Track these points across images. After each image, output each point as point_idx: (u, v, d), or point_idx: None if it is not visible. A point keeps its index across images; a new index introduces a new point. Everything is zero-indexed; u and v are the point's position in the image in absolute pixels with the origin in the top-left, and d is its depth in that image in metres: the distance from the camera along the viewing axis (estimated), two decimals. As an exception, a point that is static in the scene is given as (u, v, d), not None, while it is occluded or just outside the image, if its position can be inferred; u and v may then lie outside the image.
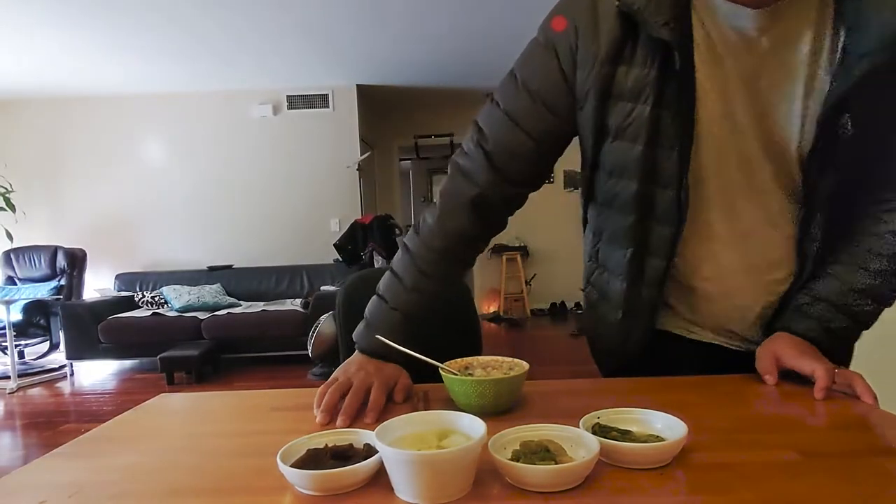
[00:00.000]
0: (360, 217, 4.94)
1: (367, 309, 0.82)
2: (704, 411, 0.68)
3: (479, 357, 0.79)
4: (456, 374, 0.70)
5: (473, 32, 4.10)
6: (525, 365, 0.73)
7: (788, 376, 0.76)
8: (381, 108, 6.22)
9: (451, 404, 0.71)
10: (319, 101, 5.32)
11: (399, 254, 0.83)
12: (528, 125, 0.75)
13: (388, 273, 0.83)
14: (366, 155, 5.32)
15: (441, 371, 0.72)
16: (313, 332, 3.45)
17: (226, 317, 4.26)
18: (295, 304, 4.52)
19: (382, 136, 6.46)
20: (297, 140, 5.36)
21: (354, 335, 0.82)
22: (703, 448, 0.55)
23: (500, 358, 0.78)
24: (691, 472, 0.50)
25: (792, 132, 0.65)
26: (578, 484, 0.48)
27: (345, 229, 5.21)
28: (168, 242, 5.39)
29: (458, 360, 0.77)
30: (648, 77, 0.65)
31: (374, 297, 0.83)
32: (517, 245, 6.33)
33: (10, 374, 3.80)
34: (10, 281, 4.77)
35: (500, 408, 0.69)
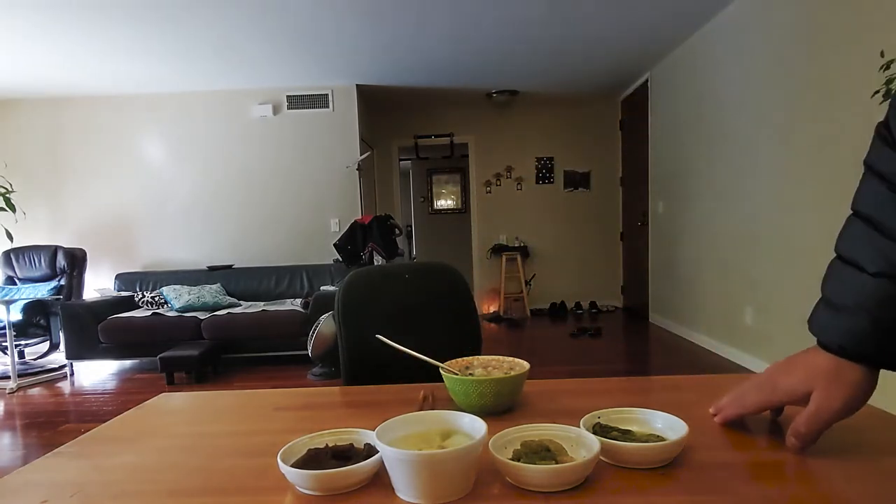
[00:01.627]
0: (359, 217, 4.94)
1: (824, 285, 0.56)
2: (705, 411, 0.68)
3: (479, 357, 0.79)
4: (456, 374, 0.70)
5: (473, 33, 4.10)
6: (525, 364, 0.74)
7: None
8: (380, 107, 6.22)
9: (452, 404, 0.71)
10: (319, 101, 5.33)
11: (862, 188, 0.55)
12: None
13: (848, 223, 0.55)
14: (365, 155, 5.32)
15: (441, 371, 0.72)
16: (313, 333, 3.44)
17: (226, 317, 4.26)
18: (295, 304, 4.52)
19: (382, 136, 6.46)
20: (297, 140, 5.36)
21: (811, 322, 0.56)
22: (704, 447, 0.55)
23: (500, 357, 0.78)
24: (692, 472, 0.50)
25: None
26: (579, 484, 0.48)
27: (344, 229, 5.21)
28: (168, 242, 5.40)
29: (459, 359, 0.77)
30: None
31: (835, 264, 0.55)
32: (517, 245, 6.34)
33: (10, 373, 3.80)
34: (10, 281, 4.77)
35: (501, 407, 0.69)
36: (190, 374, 3.88)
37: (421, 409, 0.70)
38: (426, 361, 0.73)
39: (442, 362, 0.73)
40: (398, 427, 0.53)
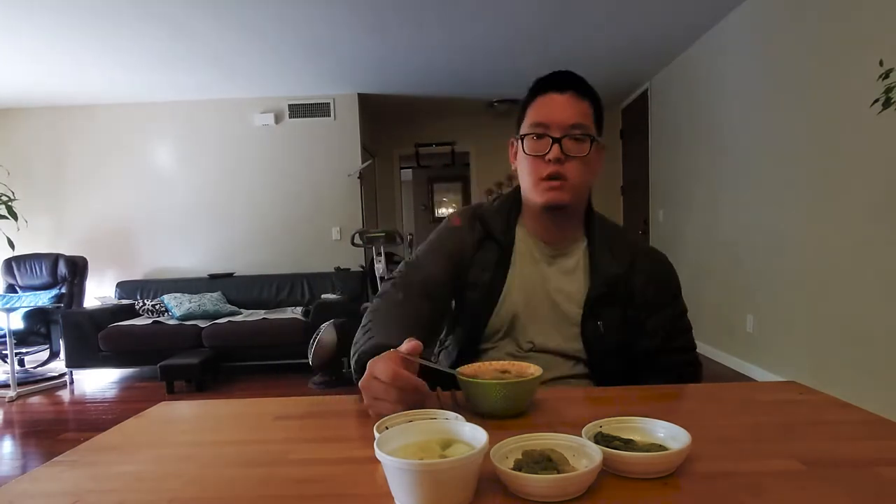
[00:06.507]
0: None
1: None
2: (707, 420, 0.68)
3: (484, 363, 0.79)
4: (483, 381, 0.70)
5: (474, 43, 4.13)
6: (538, 368, 0.74)
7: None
8: (382, 116, 6.25)
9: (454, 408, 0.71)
10: (321, 109, 5.35)
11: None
12: (439, 267, 1.06)
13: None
14: (367, 163, 5.33)
15: (459, 377, 0.72)
16: (314, 341, 3.43)
17: (226, 325, 4.25)
18: (296, 313, 4.51)
19: (383, 145, 6.48)
20: (299, 148, 5.38)
21: None
22: (706, 457, 0.55)
23: (503, 362, 0.78)
24: (694, 482, 0.50)
25: (569, 311, 1.02)
26: (581, 493, 0.47)
27: (346, 237, 5.21)
28: (169, 250, 5.40)
29: (468, 365, 0.77)
30: (491, 259, 1.06)
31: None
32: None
33: (10, 382, 3.79)
34: (11, 289, 4.77)
35: (521, 409, 0.70)
36: (190, 382, 3.86)
37: (448, 405, 0.70)
38: (444, 371, 0.75)
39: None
40: (398, 436, 0.52)
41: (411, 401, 0.68)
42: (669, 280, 1.07)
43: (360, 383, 0.71)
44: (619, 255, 1.02)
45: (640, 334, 1.02)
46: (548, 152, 0.96)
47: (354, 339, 0.91)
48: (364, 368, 0.73)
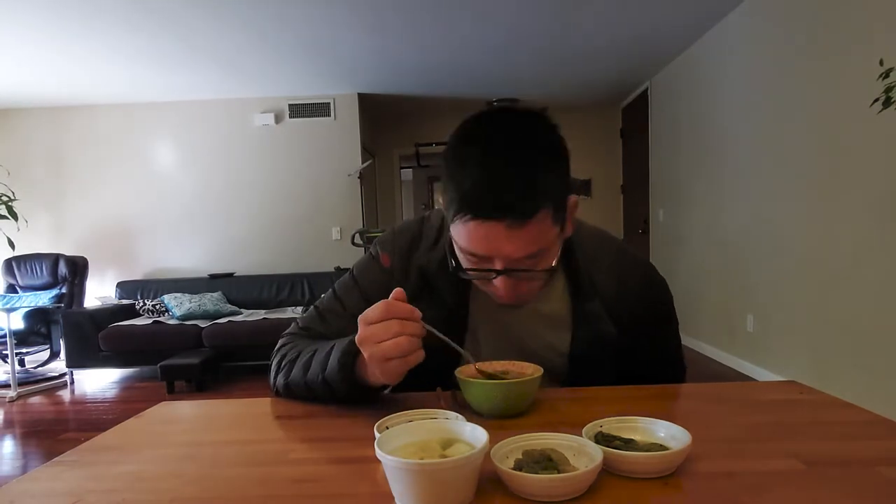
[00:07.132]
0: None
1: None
2: (708, 419, 0.68)
3: (484, 363, 0.78)
4: (483, 381, 0.70)
5: (473, 42, 4.13)
6: (538, 368, 0.74)
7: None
8: (382, 116, 6.25)
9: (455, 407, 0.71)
10: (321, 109, 5.35)
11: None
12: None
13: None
14: (367, 163, 5.33)
15: (458, 377, 0.72)
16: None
17: (227, 325, 4.25)
18: (296, 313, 4.51)
19: (383, 145, 6.48)
20: (299, 148, 5.38)
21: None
22: (707, 457, 0.55)
23: (503, 362, 0.78)
24: (695, 482, 0.50)
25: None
26: (581, 493, 0.47)
27: (346, 237, 5.21)
28: (170, 250, 5.40)
29: (468, 366, 0.77)
30: (436, 316, 0.79)
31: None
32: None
33: (11, 382, 3.79)
34: (12, 289, 4.78)
35: (521, 409, 0.70)
36: (190, 382, 3.87)
37: (448, 405, 0.70)
38: (456, 348, 0.72)
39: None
40: (398, 436, 0.52)
41: (408, 339, 0.63)
42: (661, 299, 0.92)
43: (357, 339, 0.65)
44: (605, 285, 0.86)
45: (632, 361, 0.89)
46: (494, 278, 0.74)
47: (285, 380, 0.80)
48: (350, 367, 0.69)
